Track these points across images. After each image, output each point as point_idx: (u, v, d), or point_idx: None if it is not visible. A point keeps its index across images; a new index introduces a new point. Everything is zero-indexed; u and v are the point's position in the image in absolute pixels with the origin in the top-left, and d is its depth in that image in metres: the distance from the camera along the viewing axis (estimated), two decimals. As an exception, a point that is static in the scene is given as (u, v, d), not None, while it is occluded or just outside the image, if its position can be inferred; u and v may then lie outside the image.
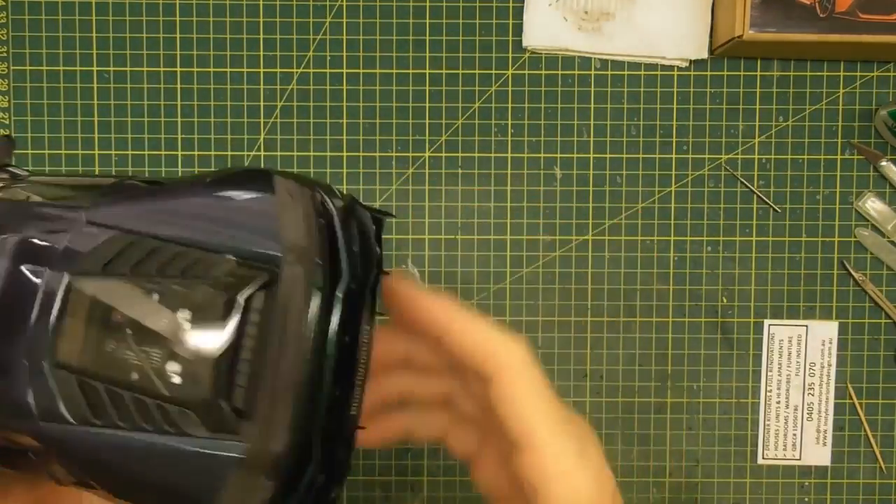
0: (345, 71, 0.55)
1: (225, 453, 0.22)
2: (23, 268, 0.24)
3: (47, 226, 0.24)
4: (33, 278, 0.24)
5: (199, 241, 0.24)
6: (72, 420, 0.23)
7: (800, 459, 0.56)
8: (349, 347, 0.26)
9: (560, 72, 0.55)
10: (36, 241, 0.24)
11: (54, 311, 0.23)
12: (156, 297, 0.24)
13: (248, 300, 0.23)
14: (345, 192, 0.28)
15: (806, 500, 0.56)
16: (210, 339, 0.23)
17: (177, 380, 0.22)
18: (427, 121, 0.55)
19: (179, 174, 0.55)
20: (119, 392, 0.23)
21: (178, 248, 0.24)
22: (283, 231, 0.24)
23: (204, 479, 0.22)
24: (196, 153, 0.55)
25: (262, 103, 0.55)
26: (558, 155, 0.55)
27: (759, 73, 0.55)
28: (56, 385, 0.23)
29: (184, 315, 0.23)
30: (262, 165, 0.55)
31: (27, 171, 0.27)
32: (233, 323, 0.23)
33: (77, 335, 0.23)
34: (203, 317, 0.23)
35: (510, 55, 0.55)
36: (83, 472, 0.23)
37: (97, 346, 0.23)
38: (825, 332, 0.56)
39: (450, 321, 0.29)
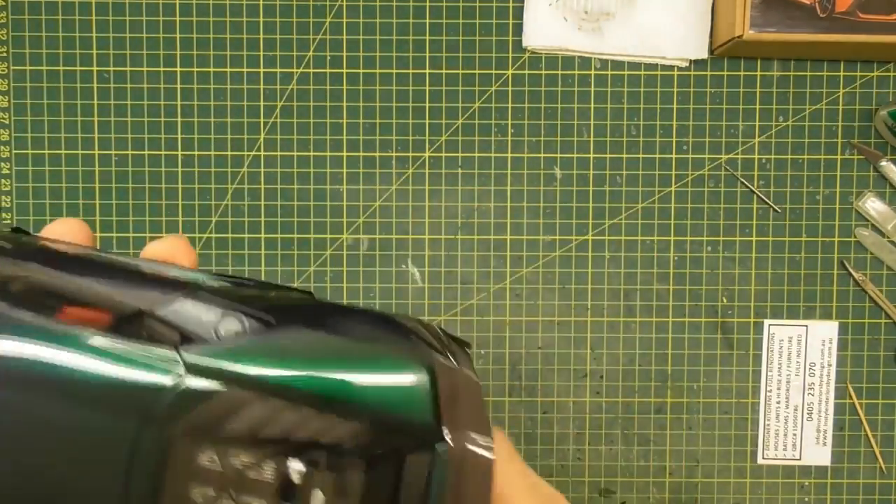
0: (345, 71, 0.55)
1: None
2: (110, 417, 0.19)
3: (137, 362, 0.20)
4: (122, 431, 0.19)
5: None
6: None
7: (800, 459, 0.56)
8: None
9: (560, 72, 0.55)
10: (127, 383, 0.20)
11: (150, 474, 0.19)
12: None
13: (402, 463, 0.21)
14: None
15: (806, 500, 0.56)
16: None
17: None
18: (427, 121, 0.55)
19: (179, 174, 0.55)
20: None
21: (306, 411, 0.21)
22: (443, 408, 0.22)
23: None
24: (196, 153, 0.55)
25: (262, 103, 0.55)
26: (558, 155, 0.55)
27: (759, 73, 0.55)
28: None
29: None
30: (262, 169, 0.55)
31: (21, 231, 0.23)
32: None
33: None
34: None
35: (510, 55, 0.55)
36: None
37: None
38: (825, 332, 0.56)
39: None
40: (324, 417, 0.21)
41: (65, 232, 0.25)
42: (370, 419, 0.21)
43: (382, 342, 0.23)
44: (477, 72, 0.55)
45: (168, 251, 0.24)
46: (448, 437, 0.22)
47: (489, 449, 0.23)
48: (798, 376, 0.56)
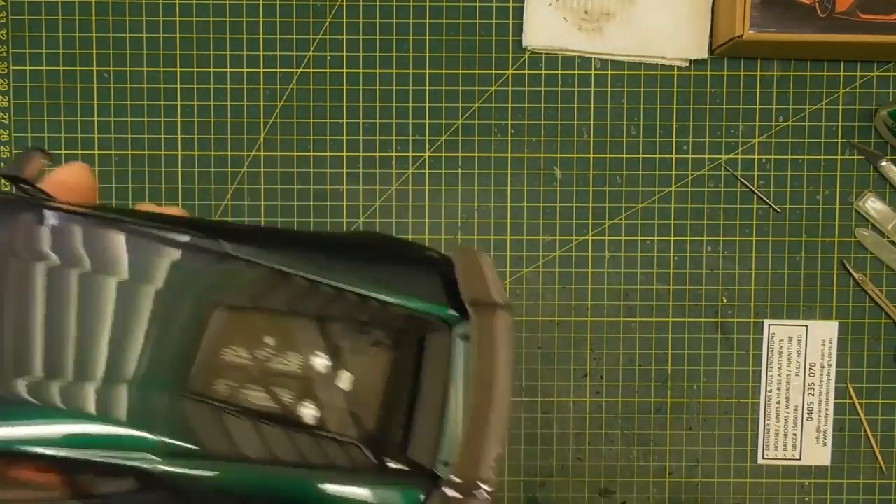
0: (345, 71, 0.55)
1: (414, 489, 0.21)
2: (161, 289, 0.23)
3: (187, 254, 0.24)
4: (171, 303, 0.23)
5: (357, 288, 0.24)
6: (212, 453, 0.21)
7: (800, 459, 0.56)
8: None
9: (560, 72, 0.55)
10: (183, 264, 0.23)
11: (192, 340, 0.23)
12: (318, 335, 0.23)
13: (422, 343, 0.24)
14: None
15: (806, 500, 0.56)
16: (377, 378, 0.23)
17: (337, 416, 0.22)
18: (427, 121, 0.55)
19: (179, 174, 0.55)
20: (265, 424, 0.22)
21: (331, 291, 0.24)
22: (467, 287, 0.25)
23: None
24: (196, 153, 0.55)
25: (262, 103, 0.55)
26: (558, 155, 0.55)
27: (759, 73, 0.55)
28: (192, 416, 0.22)
29: (346, 355, 0.23)
30: (262, 169, 0.55)
31: (44, 193, 0.26)
32: (407, 364, 0.23)
33: (219, 364, 0.22)
34: (367, 356, 0.23)
35: (510, 55, 0.55)
36: None
37: (245, 375, 0.22)
38: (825, 332, 0.56)
39: None
40: (348, 299, 0.24)
41: (68, 176, 0.26)
42: (391, 304, 0.24)
43: (397, 241, 0.26)
44: (477, 72, 0.55)
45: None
46: (467, 311, 0.24)
47: (508, 307, 0.25)
48: (798, 376, 0.56)
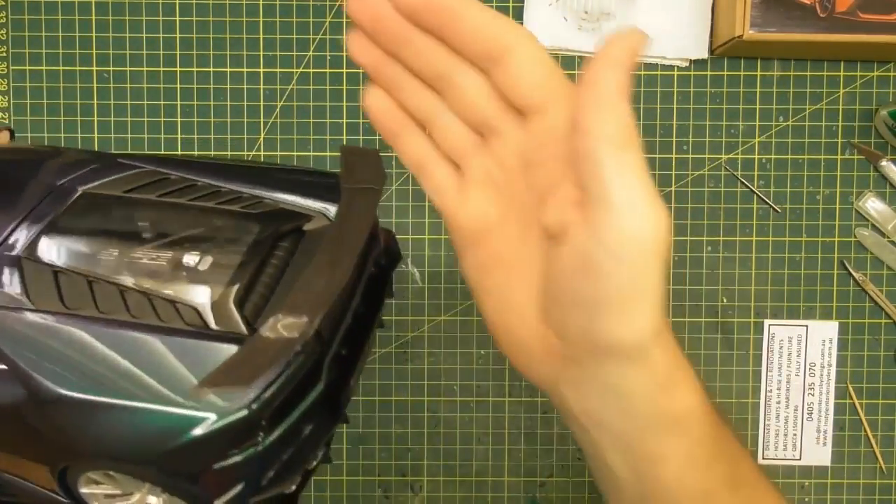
0: (345, 71, 0.55)
1: (228, 345, 0.23)
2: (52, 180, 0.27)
3: (79, 158, 0.29)
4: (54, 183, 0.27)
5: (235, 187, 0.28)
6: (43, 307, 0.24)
7: (800, 459, 0.56)
8: (366, 314, 0.28)
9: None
10: (68, 167, 0.27)
11: (55, 214, 0.26)
12: (176, 218, 0.26)
13: (279, 236, 0.26)
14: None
15: (806, 500, 0.56)
16: (228, 259, 0.25)
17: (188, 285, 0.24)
18: (427, 121, 0.55)
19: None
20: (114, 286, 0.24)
21: (213, 188, 0.28)
22: (346, 174, 0.27)
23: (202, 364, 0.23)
24: (196, 153, 0.55)
25: (262, 103, 0.55)
26: (558, 155, 0.55)
27: (759, 73, 0.55)
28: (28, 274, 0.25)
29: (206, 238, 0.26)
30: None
31: None
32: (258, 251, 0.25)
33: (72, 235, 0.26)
34: (229, 241, 0.26)
35: (510, 55, 0.55)
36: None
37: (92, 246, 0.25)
38: (825, 332, 0.56)
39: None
40: (231, 196, 0.28)
41: None
42: (272, 200, 0.28)
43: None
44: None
45: None
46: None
47: (377, 189, 0.27)
48: (798, 376, 0.56)
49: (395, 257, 0.32)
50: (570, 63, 0.55)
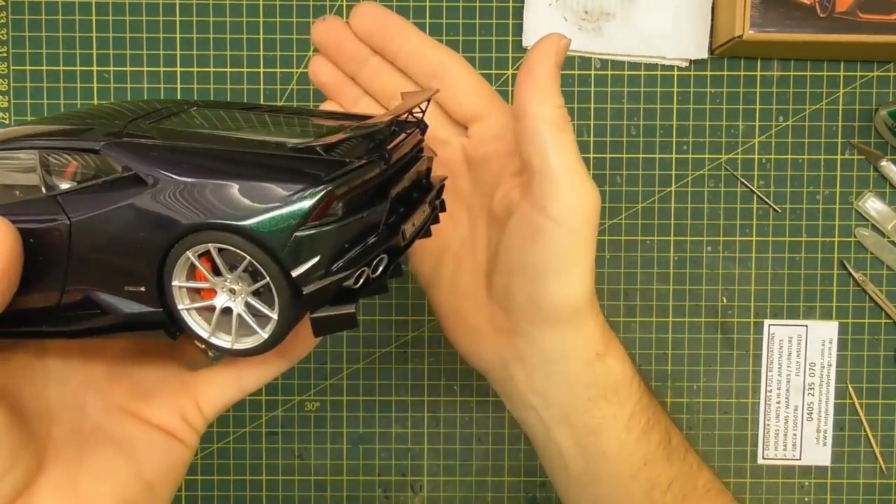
0: (345, 71, 0.55)
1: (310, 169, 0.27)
2: None
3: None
4: None
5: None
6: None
7: (800, 459, 0.56)
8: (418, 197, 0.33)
9: (560, 72, 0.55)
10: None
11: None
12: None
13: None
14: None
15: (806, 500, 0.56)
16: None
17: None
18: (427, 121, 0.55)
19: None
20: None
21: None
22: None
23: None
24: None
25: (262, 103, 0.55)
26: (558, 155, 0.55)
27: (759, 73, 0.55)
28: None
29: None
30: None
31: None
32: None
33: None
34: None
35: (510, 55, 0.55)
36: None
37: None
38: (825, 332, 0.56)
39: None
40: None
41: None
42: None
43: None
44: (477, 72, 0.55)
45: None
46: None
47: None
48: (798, 376, 0.56)
49: (441, 186, 0.36)
50: (570, 63, 0.55)
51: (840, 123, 0.55)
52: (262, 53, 0.55)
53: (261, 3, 0.54)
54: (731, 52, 0.54)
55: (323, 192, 0.26)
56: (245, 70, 0.55)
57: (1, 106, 0.55)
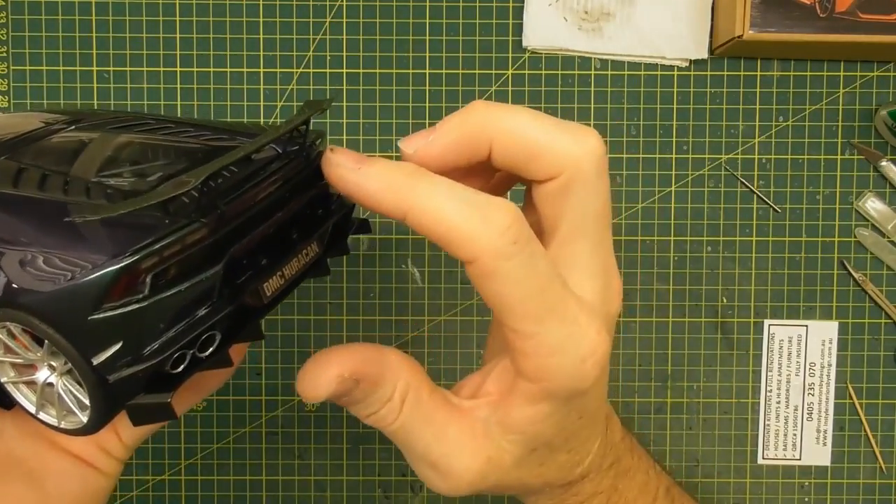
0: (345, 71, 0.55)
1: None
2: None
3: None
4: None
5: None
6: None
7: (800, 459, 0.56)
8: (296, 236, 0.30)
9: (560, 72, 0.55)
10: None
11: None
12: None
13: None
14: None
15: (806, 500, 0.56)
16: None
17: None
18: (427, 121, 0.55)
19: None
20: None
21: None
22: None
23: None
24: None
25: (262, 103, 0.55)
26: (558, 155, 0.55)
27: (759, 73, 0.55)
28: None
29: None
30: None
31: None
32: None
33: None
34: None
35: (510, 55, 0.55)
36: None
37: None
38: (825, 332, 0.56)
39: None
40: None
41: None
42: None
43: None
44: (477, 72, 0.55)
45: None
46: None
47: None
48: (798, 376, 0.56)
49: (350, 209, 0.32)
50: (570, 63, 0.55)
51: (840, 123, 0.55)
52: (262, 53, 0.55)
53: (261, 3, 0.54)
54: (731, 53, 0.54)
55: (119, 267, 0.22)
56: (245, 70, 0.55)
57: (1, 106, 0.55)
